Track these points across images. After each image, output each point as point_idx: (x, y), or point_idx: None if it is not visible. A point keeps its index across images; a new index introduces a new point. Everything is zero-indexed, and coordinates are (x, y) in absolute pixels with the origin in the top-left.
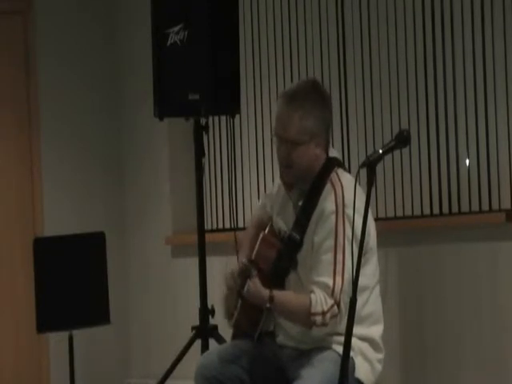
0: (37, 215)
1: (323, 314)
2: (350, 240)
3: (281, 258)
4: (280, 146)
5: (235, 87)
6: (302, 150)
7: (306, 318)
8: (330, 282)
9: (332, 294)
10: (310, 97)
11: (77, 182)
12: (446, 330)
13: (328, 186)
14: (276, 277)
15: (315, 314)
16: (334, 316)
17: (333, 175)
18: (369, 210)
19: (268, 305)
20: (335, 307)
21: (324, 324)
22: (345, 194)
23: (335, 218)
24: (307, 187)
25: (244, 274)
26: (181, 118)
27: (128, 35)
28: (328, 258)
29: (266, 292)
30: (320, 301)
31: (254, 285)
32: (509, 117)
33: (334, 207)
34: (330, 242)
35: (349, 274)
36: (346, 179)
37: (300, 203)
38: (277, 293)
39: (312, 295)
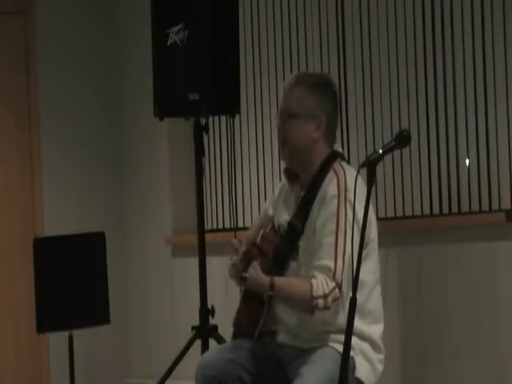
0: (37, 215)
1: (325, 296)
2: (351, 224)
3: (281, 246)
4: (279, 120)
5: (235, 87)
6: (296, 123)
7: (307, 302)
8: (332, 265)
9: (333, 276)
10: (317, 82)
11: (77, 182)
12: (446, 329)
13: (330, 173)
14: (276, 267)
15: (317, 298)
16: (335, 299)
17: (335, 164)
18: (370, 208)
19: (269, 292)
20: (337, 290)
21: (326, 307)
22: (347, 180)
23: (337, 202)
24: (309, 179)
25: (246, 257)
26: (181, 118)
27: (128, 35)
28: (329, 241)
29: (266, 279)
30: (321, 284)
31: (255, 271)
32: (509, 117)
33: (336, 191)
34: (332, 226)
35: (349, 258)
36: (348, 168)
37: (302, 193)
38: (278, 279)
39: (313, 280)
